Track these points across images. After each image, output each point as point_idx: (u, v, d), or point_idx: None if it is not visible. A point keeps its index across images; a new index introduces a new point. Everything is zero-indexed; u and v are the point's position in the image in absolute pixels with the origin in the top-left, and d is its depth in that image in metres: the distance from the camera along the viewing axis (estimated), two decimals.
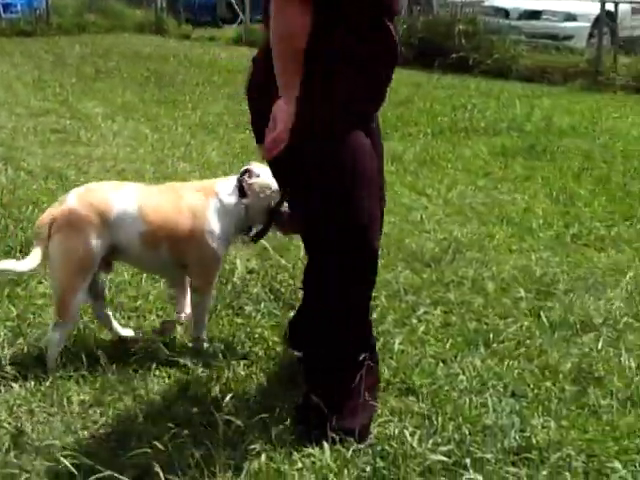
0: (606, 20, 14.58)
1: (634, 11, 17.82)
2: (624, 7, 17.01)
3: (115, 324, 4.25)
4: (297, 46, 3.07)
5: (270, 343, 4.25)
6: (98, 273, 4.02)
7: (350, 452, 3.25)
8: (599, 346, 4.30)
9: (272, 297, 4.88)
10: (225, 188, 4.04)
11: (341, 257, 3.34)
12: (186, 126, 9.78)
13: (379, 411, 3.58)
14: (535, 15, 17.12)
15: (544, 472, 3.21)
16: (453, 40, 15.15)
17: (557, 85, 13.80)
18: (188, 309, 4.27)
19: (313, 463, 3.20)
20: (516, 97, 12.30)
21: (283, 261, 5.39)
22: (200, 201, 4.00)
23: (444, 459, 3.24)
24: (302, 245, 3.76)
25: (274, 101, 3.15)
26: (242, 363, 4.02)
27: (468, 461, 3.24)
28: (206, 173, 7.51)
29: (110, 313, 4.24)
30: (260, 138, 3.29)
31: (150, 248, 3.96)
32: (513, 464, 3.29)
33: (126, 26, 20.54)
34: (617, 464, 3.30)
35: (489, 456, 3.29)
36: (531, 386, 3.91)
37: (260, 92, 3.31)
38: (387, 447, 3.31)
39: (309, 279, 3.58)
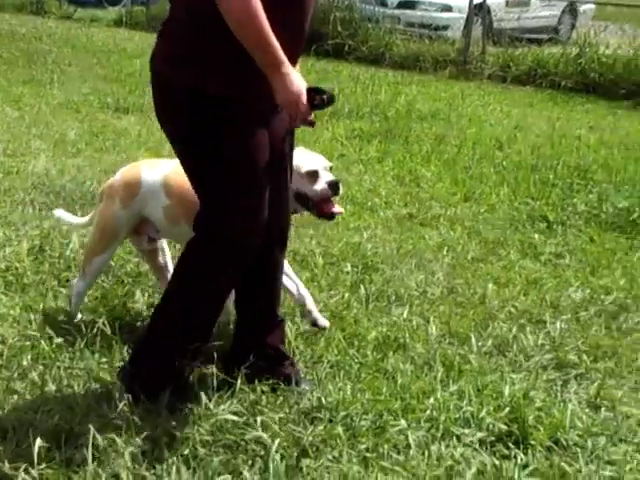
0: (475, 11, 14.90)
1: (509, 4, 18.33)
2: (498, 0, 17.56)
3: None
4: (259, 25, 3.09)
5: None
6: (153, 250, 4.37)
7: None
8: (406, 315, 4.51)
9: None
10: None
11: (202, 237, 3.46)
12: (50, 105, 9.74)
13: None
14: (412, 5, 17.41)
15: (335, 430, 3.38)
16: (330, 26, 15.32)
17: (428, 73, 14.11)
18: None
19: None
20: (386, 84, 12.57)
21: None
22: None
23: (235, 418, 3.39)
24: None
25: (180, 73, 3.23)
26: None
27: (259, 419, 3.39)
28: (58, 150, 7.55)
29: None
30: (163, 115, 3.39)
31: (172, 222, 4.08)
32: (303, 424, 3.45)
33: (5, 5, 20.14)
34: (403, 422, 3.49)
35: (281, 415, 3.45)
36: (336, 353, 4.07)
37: (165, 63, 3.34)
38: (186, 408, 3.45)
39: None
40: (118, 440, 3.17)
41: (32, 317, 4.30)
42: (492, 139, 9.13)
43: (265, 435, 3.30)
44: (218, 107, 3.27)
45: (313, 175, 3.94)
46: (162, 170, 4.10)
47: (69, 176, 6.69)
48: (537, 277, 5.33)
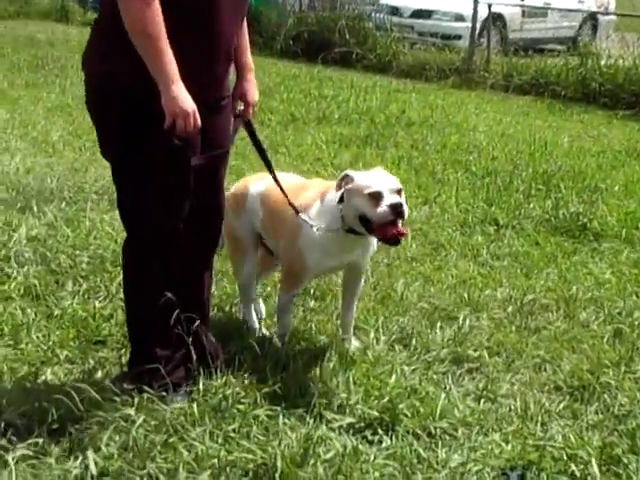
0: (475, 21, 14.95)
1: (525, 14, 18.33)
2: (514, 10, 17.57)
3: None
4: (152, 40, 3.23)
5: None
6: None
7: None
8: (318, 308, 4.67)
9: (39, 261, 5.15)
10: (335, 193, 3.99)
11: (133, 234, 3.66)
12: (45, 108, 10.00)
13: None
14: (426, 14, 17.52)
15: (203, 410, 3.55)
16: (338, 35, 15.51)
17: (432, 82, 14.20)
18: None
19: None
20: (385, 92, 12.67)
21: (69, 231, 5.65)
22: (308, 200, 4.09)
23: None
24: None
25: (111, 65, 3.38)
26: None
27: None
28: (36, 151, 7.79)
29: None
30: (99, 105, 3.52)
31: (267, 235, 4.32)
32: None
33: (31, 13, 20.54)
34: (278, 408, 3.64)
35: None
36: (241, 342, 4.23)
37: (93, 55, 3.50)
38: None
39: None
40: None
41: None
42: (471, 145, 9.23)
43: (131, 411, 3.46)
44: (139, 102, 3.41)
45: (376, 197, 3.81)
46: (263, 184, 4.27)
47: (35, 174, 6.90)
48: (467, 277, 5.46)
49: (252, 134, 3.88)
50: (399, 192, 3.90)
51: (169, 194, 3.55)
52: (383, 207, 3.79)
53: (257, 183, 4.35)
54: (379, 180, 3.92)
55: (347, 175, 3.97)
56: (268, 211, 4.23)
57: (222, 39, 3.54)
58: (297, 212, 3.98)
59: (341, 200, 3.95)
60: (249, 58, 3.90)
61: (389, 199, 3.81)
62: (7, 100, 10.34)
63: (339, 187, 3.96)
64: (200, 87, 3.42)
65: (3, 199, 6.32)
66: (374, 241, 4.17)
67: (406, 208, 3.85)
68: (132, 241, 3.67)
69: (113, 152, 3.58)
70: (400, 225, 3.84)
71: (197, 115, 3.35)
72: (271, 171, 3.96)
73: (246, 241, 4.38)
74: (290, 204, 3.97)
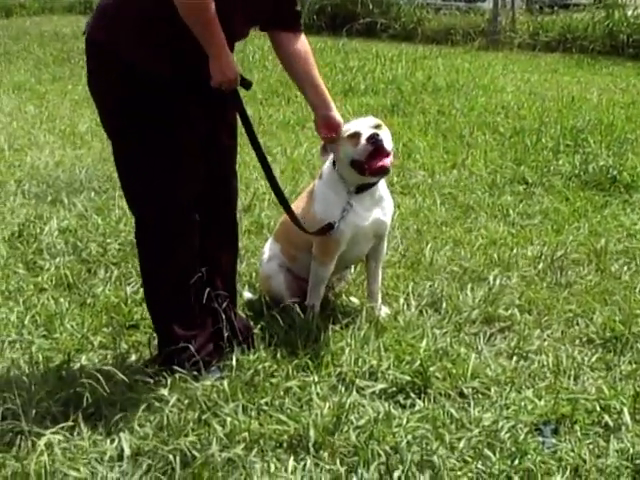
0: None
1: None
2: None
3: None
4: (203, 6, 3.33)
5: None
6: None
7: None
8: (349, 278, 4.68)
9: (71, 251, 5.22)
10: (328, 163, 4.22)
11: (139, 214, 3.69)
12: (72, 101, 10.10)
13: None
14: None
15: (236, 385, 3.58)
16: (362, 6, 15.45)
17: (458, 46, 14.11)
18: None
19: None
20: (411, 59, 12.61)
21: (100, 220, 5.72)
22: (310, 186, 4.38)
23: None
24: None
25: (123, 48, 3.44)
26: None
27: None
28: (64, 143, 7.86)
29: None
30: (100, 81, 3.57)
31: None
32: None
33: (56, 8, 20.70)
34: (313, 377, 3.67)
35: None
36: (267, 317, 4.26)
37: (100, 35, 3.53)
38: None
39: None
40: None
41: None
42: (499, 106, 9.16)
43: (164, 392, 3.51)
44: (141, 77, 3.46)
45: (355, 136, 4.00)
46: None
47: (64, 167, 6.97)
48: (497, 237, 5.44)
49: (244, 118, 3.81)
50: (377, 127, 4.05)
51: (173, 166, 3.58)
52: (362, 142, 3.96)
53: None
54: (357, 122, 4.11)
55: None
56: (296, 205, 4.33)
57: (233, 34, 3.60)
58: (301, 227, 4.07)
59: (335, 164, 4.13)
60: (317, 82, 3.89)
61: (366, 134, 3.97)
62: (35, 95, 10.46)
63: (324, 151, 4.16)
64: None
65: (34, 193, 6.40)
66: (389, 198, 4.29)
67: (386, 138, 4.00)
68: (140, 221, 3.69)
69: (116, 128, 3.61)
70: (387, 159, 3.98)
71: (238, 78, 3.54)
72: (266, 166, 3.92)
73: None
74: (289, 213, 4.06)
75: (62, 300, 4.54)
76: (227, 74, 3.48)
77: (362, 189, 4.13)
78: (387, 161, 3.99)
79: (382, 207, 4.24)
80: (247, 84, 3.64)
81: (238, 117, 3.77)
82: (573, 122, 8.11)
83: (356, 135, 4.00)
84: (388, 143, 4.02)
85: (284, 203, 3.99)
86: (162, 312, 3.78)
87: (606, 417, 3.39)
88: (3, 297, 4.61)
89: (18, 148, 7.70)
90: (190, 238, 3.69)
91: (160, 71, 3.48)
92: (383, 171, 4.02)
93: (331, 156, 4.17)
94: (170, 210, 3.62)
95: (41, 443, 3.09)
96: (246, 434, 3.24)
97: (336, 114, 3.92)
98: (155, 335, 3.94)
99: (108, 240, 5.33)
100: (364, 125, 4.06)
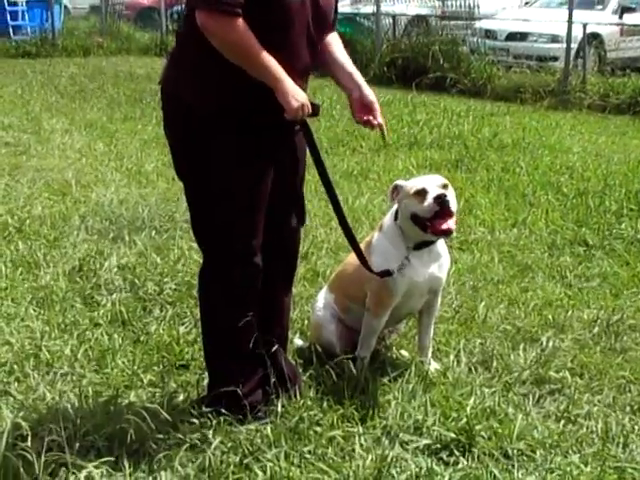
0: (570, 42, 14.76)
1: (623, 32, 18.03)
2: (612, 29, 17.33)
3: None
4: (246, 50, 3.42)
5: None
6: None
7: None
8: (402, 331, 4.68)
9: (128, 288, 5.30)
10: (389, 215, 4.25)
11: (207, 257, 3.77)
12: (141, 140, 10.25)
13: None
14: (522, 36, 17.41)
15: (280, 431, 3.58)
16: (432, 60, 15.53)
17: (527, 104, 14.07)
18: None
19: None
20: (479, 116, 12.61)
21: (158, 259, 5.80)
22: (368, 238, 4.36)
23: None
24: None
25: (181, 89, 3.54)
26: None
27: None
28: (130, 182, 8.00)
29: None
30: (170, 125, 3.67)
31: None
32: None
33: (132, 49, 21.13)
34: (359, 428, 3.66)
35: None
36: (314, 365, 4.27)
37: (169, 83, 3.64)
38: None
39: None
40: None
41: (47, 329, 4.64)
42: (564, 167, 9.10)
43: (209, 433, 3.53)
44: (205, 121, 3.53)
45: (421, 193, 4.01)
46: None
47: (128, 205, 7.09)
48: (554, 298, 5.39)
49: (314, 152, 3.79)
50: (444, 187, 4.05)
51: (241, 211, 3.63)
52: (428, 200, 3.96)
53: None
54: (423, 179, 4.15)
55: (396, 185, 4.17)
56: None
57: (299, 58, 3.63)
58: (369, 269, 4.02)
59: (397, 217, 4.12)
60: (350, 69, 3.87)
61: (433, 193, 3.98)
62: (105, 133, 10.64)
63: (392, 199, 4.17)
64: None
65: (97, 229, 6.50)
66: (446, 254, 4.28)
67: (452, 199, 3.99)
68: (208, 263, 3.75)
69: (184, 171, 3.67)
70: (451, 221, 3.98)
71: (308, 103, 3.52)
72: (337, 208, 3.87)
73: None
74: (359, 257, 4.01)
75: (116, 336, 4.61)
76: (296, 99, 3.47)
77: (421, 246, 4.14)
78: (451, 223, 3.99)
79: (439, 263, 4.25)
80: (316, 108, 3.61)
81: (308, 152, 3.79)
82: (638, 186, 8.01)
83: (423, 192, 4.01)
84: (454, 204, 4.01)
85: (351, 238, 3.93)
86: (217, 353, 3.83)
87: None
88: (59, 330, 4.68)
89: (85, 184, 7.84)
90: (254, 282, 3.74)
91: (222, 112, 3.54)
92: (447, 232, 4.03)
93: (394, 208, 4.19)
94: (242, 248, 3.67)
95: (81, 476, 3.12)
96: None
97: (370, 93, 3.79)
98: (204, 375, 3.97)
99: (165, 279, 5.40)
100: (431, 183, 4.07)
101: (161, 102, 3.70)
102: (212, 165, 3.57)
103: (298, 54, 3.60)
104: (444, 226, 3.97)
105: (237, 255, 3.67)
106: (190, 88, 3.55)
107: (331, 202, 3.84)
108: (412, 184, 4.08)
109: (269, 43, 3.45)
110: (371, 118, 3.81)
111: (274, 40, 3.48)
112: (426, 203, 3.97)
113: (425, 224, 4.00)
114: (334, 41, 3.88)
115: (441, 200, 3.95)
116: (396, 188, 4.16)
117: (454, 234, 4.15)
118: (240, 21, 3.38)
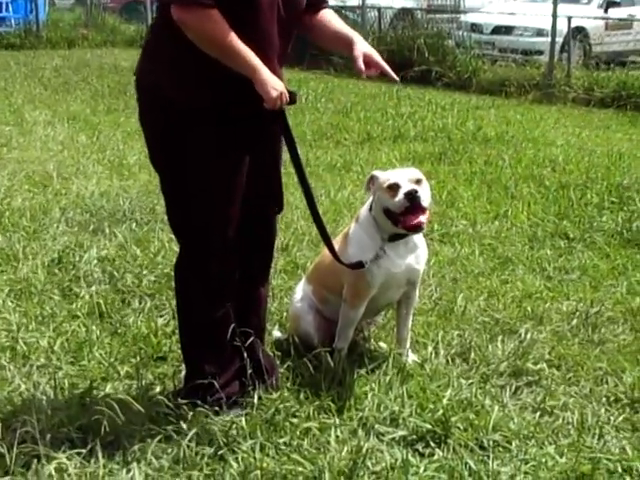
0: (555, 36, 14.79)
1: (608, 27, 18.07)
2: (596, 22, 17.37)
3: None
4: (229, 44, 3.38)
5: None
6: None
7: None
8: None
9: (107, 281, 5.28)
10: (366, 206, 4.23)
11: (184, 248, 3.75)
12: (125, 133, 10.23)
13: None
14: (507, 30, 17.45)
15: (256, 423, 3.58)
16: (418, 53, 15.52)
17: (513, 98, 14.09)
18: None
19: None
20: (464, 109, 12.61)
21: (138, 252, 5.78)
22: (345, 229, 4.41)
23: None
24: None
25: (159, 82, 3.50)
26: None
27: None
28: (112, 174, 7.97)
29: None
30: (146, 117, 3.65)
31: None
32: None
33: (117, 41, 21.06)
34: (334, 420, 3.66)
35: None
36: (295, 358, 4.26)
37: (144, 75, 3.60)
38: None
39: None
40: None
41: (25, 321, 4.62)
42: (547, 160, 9.12)
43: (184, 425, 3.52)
44: (182, 114, 3.51)
45: (394, 188, 3.98)
46: None
47: (109, 197, 7.06)
48: (533, 291, 5.40)
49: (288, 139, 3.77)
50: (418, 182, 4.03)
51: (218, 203, 3.61)
52: (399, 196, 3.94)
53: None
54: (398, 173, 4.10)
55: (372, 176, 4.14)
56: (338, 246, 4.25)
57: (270, 45, 3.60)
58: (340, 261, 4.02)
59: (372, 208, 4.13)
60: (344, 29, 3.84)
61: (405, 188, 3.95)
62: (88, 126, 10.61)
63: (368, 189, 4.16)
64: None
65: (77, 221, 6.48)
66: (424, 246, 4.29)
67: (424, 194, 3.98)
68: (184, 255, 3.74)
69: (161, 163, 3.66)
70: (423, 216, 3.96)
71: (286, 92, 3.48)
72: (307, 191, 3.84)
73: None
74: (330, 249, 3.99)
75: (94, 328, 4.59)
76: (275, 88, 3.43)
77: (396, 238, 4.14)
78: (422, 218, 3.97)
79: (416, 255, 4.24)
80: (293, 96, 3.58)
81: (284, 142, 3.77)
82: (620, 179, 8.03)
83: (395, 187, 3.99)
84: (426, 200, 4.00)
85: (322, 230, 3.90)
86: (194, 345, 3.81)
87: (627, 479, 3.34)
88: (36, 322, 4.66)
89: (66, 177, 7.82)
90: (231, 274, 3.73)
91: (201, 104, 3.52)
92: (417, 228, 4.01)
93: (370, 199, 4.19)
94: (219, 239, 3.65)
95: (51, 467, 3.11)
96: (260, 472, 3.24)
97: (365, 46, 3.78)
98: (182, 368, 3.96)
99: (144, 272, 5.38)
100: (404, 177, 4.03)
101: (137, 94, 3.67)
102: (189, 157, 3.55)
103: (270, 41, 3.58)
104: (414, 222, 3.95)
105: (213, 246, 3.66)
106: (168, 81, 3.53)
107: (303, 192, 3.83)
108: (386, 177, 4.04)
109: (240, 32, 3.42)
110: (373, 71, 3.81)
111: (245, 29, 3.45)
112: (397, 199, 3.96)
113: (397, 219, 4.00)
114: (328, 16, 3.86)
115: (412, 196, 3.94)
116: (372, 178, 4.15)
117: (424, 230, 4.11)
118: (215, 12, 3.37)
